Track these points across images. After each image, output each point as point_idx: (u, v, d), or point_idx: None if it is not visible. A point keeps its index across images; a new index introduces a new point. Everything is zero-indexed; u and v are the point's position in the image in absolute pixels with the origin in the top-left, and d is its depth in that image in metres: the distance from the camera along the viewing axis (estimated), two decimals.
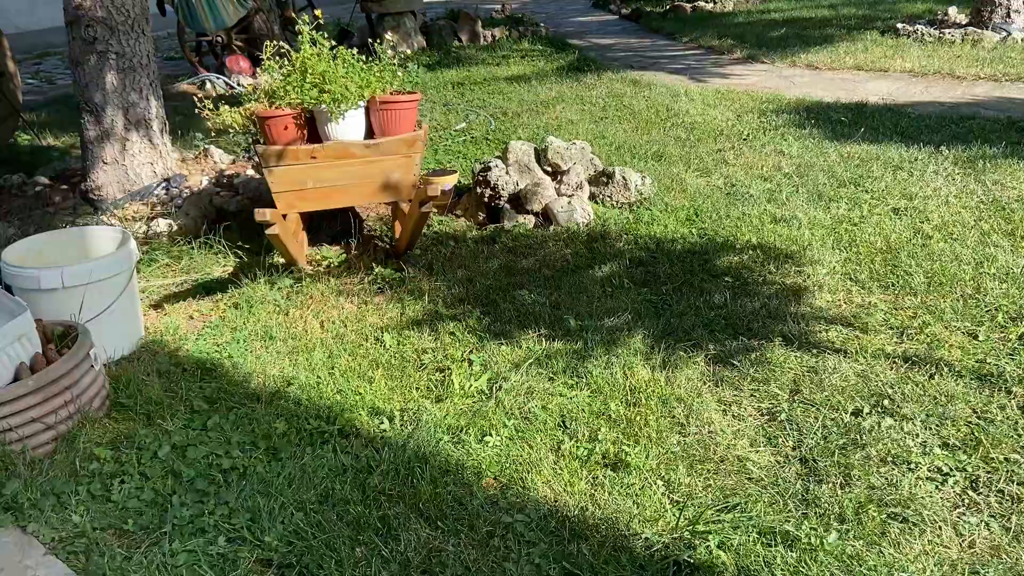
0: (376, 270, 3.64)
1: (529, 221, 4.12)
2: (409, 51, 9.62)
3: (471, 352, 2.92)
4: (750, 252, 3.65)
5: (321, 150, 3.60)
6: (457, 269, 3.63)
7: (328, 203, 3.72)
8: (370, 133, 3.75)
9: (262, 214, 3.17)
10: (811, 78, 7.34)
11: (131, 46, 4.20)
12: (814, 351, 2.80)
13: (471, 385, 2.70)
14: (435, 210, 4.31)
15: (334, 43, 3.73)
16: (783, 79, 7.34)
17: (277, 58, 3.79)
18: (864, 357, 2.75)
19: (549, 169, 4.31)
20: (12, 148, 5.84)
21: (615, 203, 4.25)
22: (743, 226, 3.93)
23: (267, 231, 3.22)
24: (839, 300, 3.19)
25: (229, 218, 4.29)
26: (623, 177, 4.23)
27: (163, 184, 4.65)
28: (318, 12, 4.03)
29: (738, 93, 6.62)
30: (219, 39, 8.48)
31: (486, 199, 4.24)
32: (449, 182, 4.47)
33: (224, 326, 3.22)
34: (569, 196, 4.17)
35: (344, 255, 3.93)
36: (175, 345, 3.11)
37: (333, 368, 2.85)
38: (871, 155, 4.87)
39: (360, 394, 2.67)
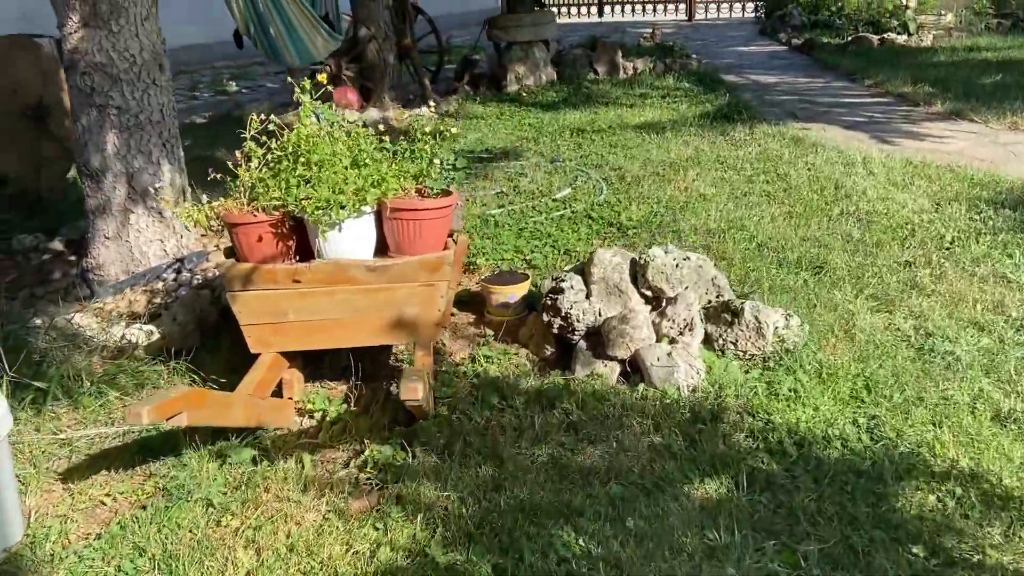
0: (368, 451, 2.52)
1: (611, 371, 2.87)
2: (534, 84, 8.57)
3: None
4: (958, 488, 2.22)
5: (307, 271, 2.54)
6: (484, 462, 2.44)
7: (315, 341, 2.66)
8: (384, 248, 2.66)
9: (158, 412, 2.03)
10: None
11: (137, 99, 3.34)
12: None
13: None
14: (489, 333, 3.16)
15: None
16: (1001, 148, 5.58)
17: (266, 139, 2.76)
18: None
19: (649, 293, 3.03)
20: (64, 195, 5.25)
21: (741, 354, 2.91)
22: (945, 425, 2.49)
23: (178, 423, 2.13)
24: None
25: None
26: (755, 318, 2.88)
27: (175, 266, 3.78)
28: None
29: (937, 167, 4.99)
30: (329, 69, 7.76)
31: (555, 329, 3.03)
32: (517, 292, 3.30)
33: (123, 539, 2.21)
34: (672, 340, 2.88)
35: (345, 404, 2.86)
36: (47, 569, 2.12)
37: None
38: None
39: None
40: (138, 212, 3.62)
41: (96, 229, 3.67)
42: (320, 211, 2.46)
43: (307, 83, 2.70)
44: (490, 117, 7.39)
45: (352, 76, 7.82)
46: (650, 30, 11.60)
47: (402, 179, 2.63)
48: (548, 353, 3.07)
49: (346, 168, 2.56)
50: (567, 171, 5.37)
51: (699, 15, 15.55)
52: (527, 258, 3.87)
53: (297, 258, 2.63)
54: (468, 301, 3.49)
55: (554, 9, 16.68)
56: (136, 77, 3.26)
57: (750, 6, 15.17)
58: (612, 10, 16.35)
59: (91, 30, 3.17)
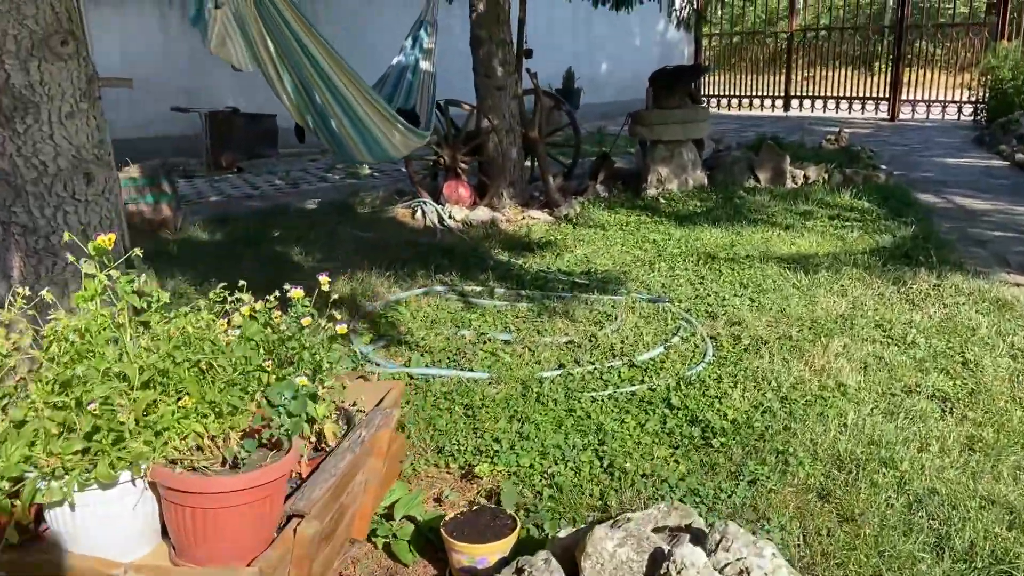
0: None
1: None
2: (678, 189, 7.40)
3: None
4: None
5: None
6: None
7: None
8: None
9: None
10: None
11: (48, 217, 2.62)
12: None
13: None
14: None
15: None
16: None
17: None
18: None
19: None
20: None
21: None
22: None
23: None
24: None
25: None
26: None
27: None
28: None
29: None
30: (442, 160, 7.08)
31: None
32: (489, 554, 2.16)
33: None
34: None
35: None
36: None
37: None
38: None
39: None
40: None
41: None
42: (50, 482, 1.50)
43: (104, 240, 1.78)
44: (612, 227, 6.32)
45: (466, 168, 7.07)
46: (837, 129, 10.05)
47: (214, 419, 1.61)
48: None
49: (126, 390, 1.58)
50: (669, 317, 4.15)
51: (904, 114, 13.61)
52: (549, 472, 2.71)
53: None
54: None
55: (711, 106, 15.44)
56: (47, 190, 2.55)
57: (968, 108, 13.05)
58: (800, 104, 14.77)
59: None
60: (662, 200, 7.17)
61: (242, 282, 2.14)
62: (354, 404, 2.11)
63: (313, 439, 1.87)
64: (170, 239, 5.99)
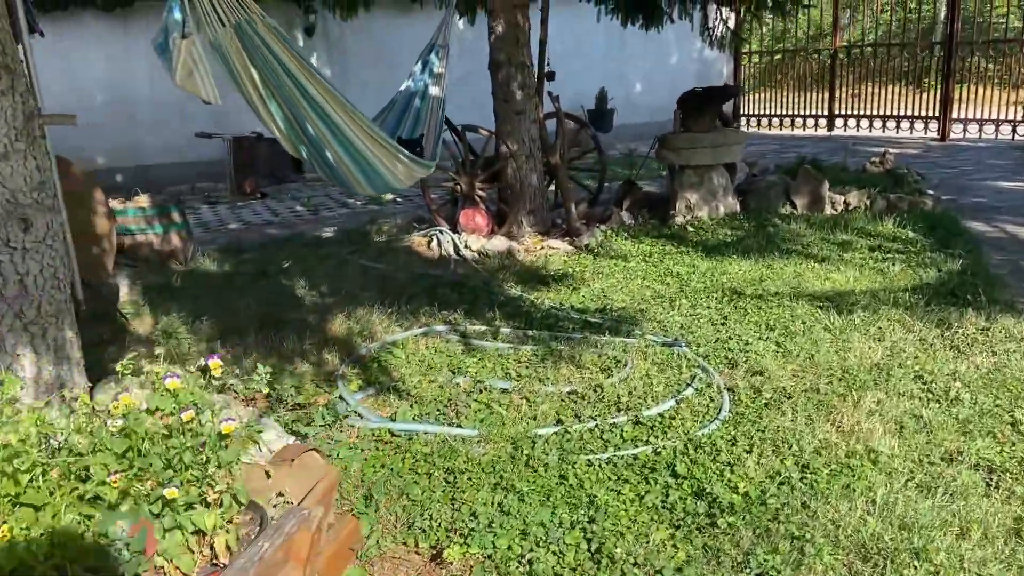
0: None
1: None
2: (708, 216, 7.04)
3: None
4: None
5: None
6: None
7: None
8: None
9: None
10: None
11: None
12: None
13: None
14: None
15: None
16: None
17: None
18: None
19: None
20: None
21: None
22: None
23: None
24: None
25: None
26: None
27: None
28: None
29: None
30: (459, 188, 6.85)
31: None
32: None
33: None
34: None
35: None
36: None
37: None
38: None
39: None
40: None
41: None
42: None
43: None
44: (635, 258, 5.98)
45: (483, 196, 6.82)
46: (882, 151, 9.54)
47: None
48: None
49: None
50: (684, 364, 3.81)
51: (955, 134, 12.96)
52: (527, 558, 2.39)
53: None
54: None
55: (751, 126, 14.97)
56: None
57: (1023, 128, 12.38)
58: (844, 123, 14.19)
59: None
60: (690, 228, 6.81)
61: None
62: (280, 495, 1.84)
63: (207, 552, 1.61)
64: (178, 270, 5.85)
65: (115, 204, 5.83)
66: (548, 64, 7.18)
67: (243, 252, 6.46)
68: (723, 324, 4.42)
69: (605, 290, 5.21)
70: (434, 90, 5.39)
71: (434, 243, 6.60)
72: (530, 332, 4.38)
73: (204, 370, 1.76)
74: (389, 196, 9.18)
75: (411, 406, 3.47)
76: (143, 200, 5.84)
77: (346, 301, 4.93)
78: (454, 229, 6.70)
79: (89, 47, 9.82)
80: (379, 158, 4.24)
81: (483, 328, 4.44)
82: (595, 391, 3.55)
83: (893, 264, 5.44)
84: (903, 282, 5.05)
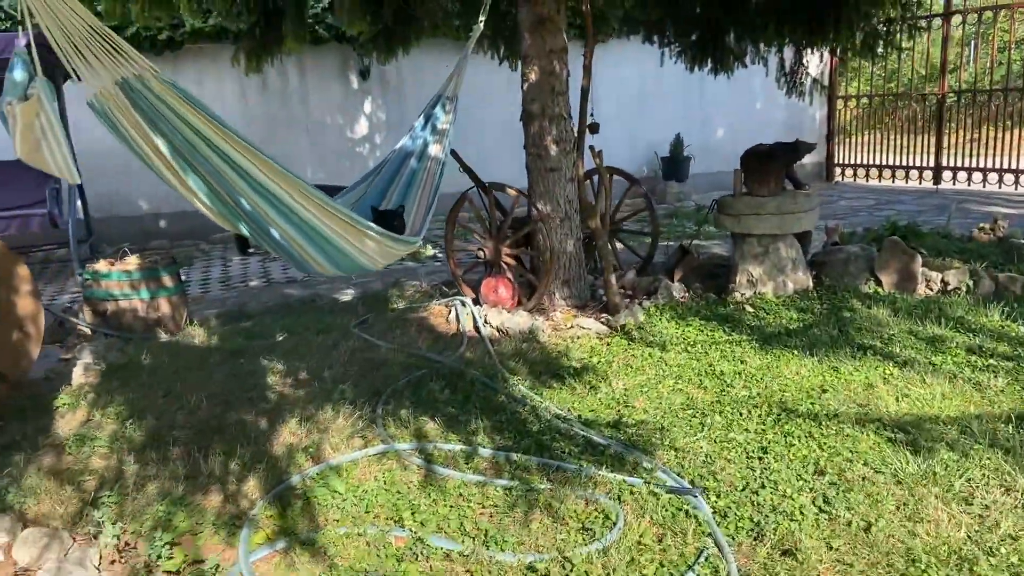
0: None
1: None
2: (773, 292, 6.05)
3: None
4: None
5: None
6: None
7: None
8: None
9: None
10: None
11: None
12: None
13: None
14: None
15: None
16: None
17: None
18: None
19: None
20: None
21: None
22: None
23: None
24: None
25: None
26: None
27: None
28: None
29: None
30: (482, 254, 6.12)
31: None
32: None
33: None
34: None
35: None
36: None
37: None
38: None
39: None
40: None
41: None
42: None
43: None
44: (676, 346, 5.06)
45: (510, 263, 6.06)
46: (992, 219, 8.17)
47: None
48: None
49: None
50: (692, 531, 2.89)
51: None
52: None
53: None
54: None
55: (846, 177, 13.60)
56: None
57: None
58: (954, 177, 12.66)
59: None
60: (748, 309, 5.83)
61: None
62: None
63: None
64: (161, 340, 5.33)
65: (101, 266, 5.39)
66: (592, 115, 6.40)
67: (243, 319, 5.91)
68: (759, 459, 3.47)
69: (628, 392, 4.33)
70: (434, 149, 4.69)
71: (452, 315, 5.89)
72: (514, 456, 3.55)
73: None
74: (429, 251, 8.55)
75: (321, 575, 2.70)
76: (131, 263, 5.37)
77: (317, 395, 4.25)
78: (479, 299, 5.97)
79: None
80: (340, 235, 3.55)
81: (458, 447, 3.65)
82: (562, 567, 2.69)
83: (995, 376, 4.32)
84: (1007, 405, 3.94)
